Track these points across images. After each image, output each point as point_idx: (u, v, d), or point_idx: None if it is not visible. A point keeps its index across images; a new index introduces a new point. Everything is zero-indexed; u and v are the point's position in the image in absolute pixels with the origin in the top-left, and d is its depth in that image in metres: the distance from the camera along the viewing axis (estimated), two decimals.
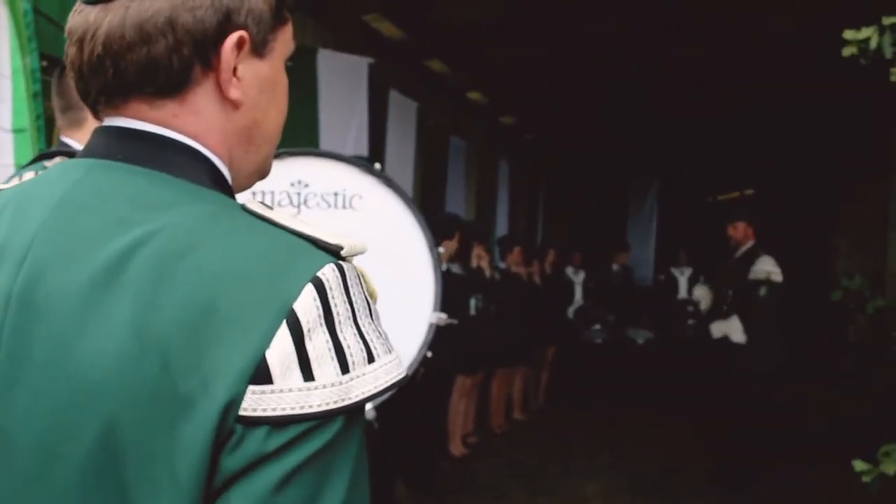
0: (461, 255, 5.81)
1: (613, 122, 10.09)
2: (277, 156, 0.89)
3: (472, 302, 5.85)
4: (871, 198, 9.52)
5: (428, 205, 6.98)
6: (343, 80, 5.25)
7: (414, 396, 5.01)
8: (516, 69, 7.45)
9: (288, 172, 2.12)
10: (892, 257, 6.81)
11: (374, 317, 0.69)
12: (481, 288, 5.88)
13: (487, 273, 5.91)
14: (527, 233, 10.32)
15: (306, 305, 0.63)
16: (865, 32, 2.27)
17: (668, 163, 12.47)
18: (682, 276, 9.34)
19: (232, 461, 0.61)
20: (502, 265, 6.92)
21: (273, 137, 0.83)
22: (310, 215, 2.08)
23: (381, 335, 0.68)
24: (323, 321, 0.64)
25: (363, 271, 0.69)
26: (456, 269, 5.60)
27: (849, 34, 2.30)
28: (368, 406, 0.73)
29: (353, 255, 0.69)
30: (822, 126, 10.10)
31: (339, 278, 0.65)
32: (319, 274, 0.64)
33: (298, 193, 2.12)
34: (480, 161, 8.51)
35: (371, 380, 0.65)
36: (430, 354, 2.24)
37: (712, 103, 9.80)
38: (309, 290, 0.64)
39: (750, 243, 5.48)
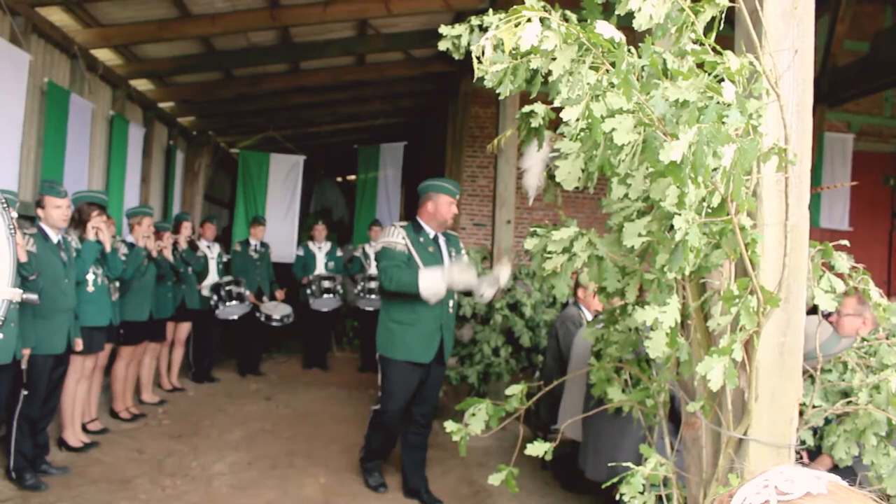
0: (77, 226, 5.33)
1: (259, 99, 10.01)
2: None
3: (91, 277, 5.40)
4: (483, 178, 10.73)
5: (44, 170, 6.24)
6: None
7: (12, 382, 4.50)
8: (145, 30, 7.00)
9: None
10: (499, 235, 7.66)
11: None
12: (101, 261, 5.44)
13: (109, 246, 5.46)
14: (163, 203, 9.77)
15: None
16: (458, 30, 2.50)
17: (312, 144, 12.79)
18: (321, 252, 9.54)
19: None
20: (130, 238, 6.47)
21: None
22: None
23: None
24: None
25: None
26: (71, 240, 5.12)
27: (444, 30, 2.51)
28: None
29: None
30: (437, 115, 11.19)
31: None
32: None
33: None
34: (109, 125, 7.82)
35: None
36: (1, 336, 1.90)
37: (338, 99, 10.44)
38: None
39: None
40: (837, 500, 0.81)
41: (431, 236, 4.80)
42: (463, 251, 5.02)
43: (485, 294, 4.74)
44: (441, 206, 4.77)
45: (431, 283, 4.51)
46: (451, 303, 4.83)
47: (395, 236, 4.69)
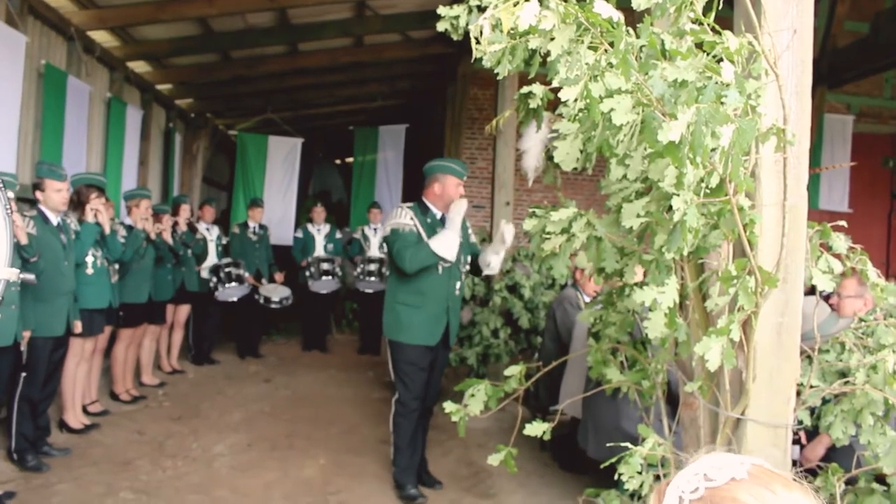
0: (76, 208, 5.32)
1: (257, 81, 9.95)
2: None
3: (91, 259, 5.40)
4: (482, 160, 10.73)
5: (42, 152, 6.23)
6: None
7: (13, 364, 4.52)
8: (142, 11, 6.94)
9: None
10: (498, 217, 7.64)
11: None
12: (101, 243, 5.44)
13: (108, 228, 5.46)
14: (162, 185, 9.75)
15: None
16: (456, 11, 2.47)
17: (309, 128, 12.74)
18: (319, 234, 9.53)
19: None
20: (129, 220, 6.47)
21: None
22: None
23: None
24: None
25: None
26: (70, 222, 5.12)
27: (443, 10, 2.49)
28: None
29: None
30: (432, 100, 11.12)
31: None
32: None
33: None
34: (107, 107, 7.79)
35: None
36: (0, 316, 1.89)
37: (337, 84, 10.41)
38: None
39: None
40: (759, 483, 0.87)
41: (438, 217, 4.68)
42: (470, 230, 4.95)
43: (492, 262, 4.68)
44: (448, 187, 4.65)
45: (444, 242, 4.48)
46: (457, 284, 4.69)
47: (404, 217, 4.59)
